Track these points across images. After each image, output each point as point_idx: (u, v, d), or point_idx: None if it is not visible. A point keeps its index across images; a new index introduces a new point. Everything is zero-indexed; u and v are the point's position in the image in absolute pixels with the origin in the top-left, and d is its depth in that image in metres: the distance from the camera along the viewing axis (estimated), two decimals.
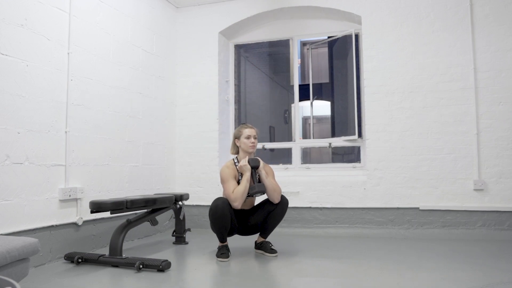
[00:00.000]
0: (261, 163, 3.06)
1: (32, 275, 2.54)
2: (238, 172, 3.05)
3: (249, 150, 3.06)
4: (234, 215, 3.01)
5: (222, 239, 3.04)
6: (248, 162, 2.99)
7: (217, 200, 2.91)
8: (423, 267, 2.69)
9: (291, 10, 4.46)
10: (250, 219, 3.13)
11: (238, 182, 3.01)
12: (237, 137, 3.12)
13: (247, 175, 2.95)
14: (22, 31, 2.72)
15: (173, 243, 3.68)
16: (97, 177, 3.38)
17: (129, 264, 2.71)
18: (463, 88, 3.83)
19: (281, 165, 4.51)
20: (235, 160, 3.12)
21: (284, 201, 3.08)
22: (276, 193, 3.02)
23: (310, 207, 4.16)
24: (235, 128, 4.79)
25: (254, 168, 3.02)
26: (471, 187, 3.76)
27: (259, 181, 3.05)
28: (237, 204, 2.90)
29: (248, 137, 3.06)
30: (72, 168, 3.12)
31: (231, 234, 3.12)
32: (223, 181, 3.01)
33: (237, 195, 2.89)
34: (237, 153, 3.15)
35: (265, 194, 3.04)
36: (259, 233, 3.23)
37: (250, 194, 2.97)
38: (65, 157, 3.07)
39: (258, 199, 3.16)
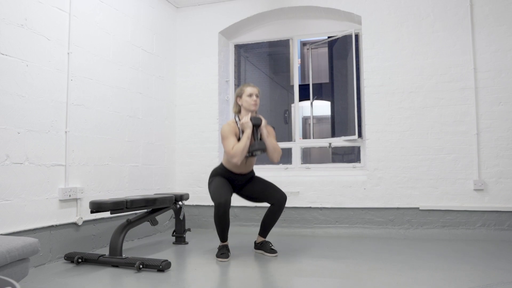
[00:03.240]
0: (263, 121, 3.06)
1: (32, 275, 2.54)
2: (239, 130, 3.04)
3: (251, 108, 3.05)
4: (230, 182, 3.09)
5: (223, 237, 3.05)
6: (250, 119, 2.99)
7: (220, 197, 2.87)
8: (423, 267, 2.69)
9: (291, 10, 4.46)
10: (248, 188, 3.16)
11: (239, 139, 3.01)
12: (239, 95, 3.11)
13: (247, 132, 2.95)
14: (22, 31, 2.72)
15: (173, 243, 3.68)
16: (97, 177, 3.38)
17: (129, 264, 2.71)
18: (463, 88, 3.83)
19: (281, 165, 4.51)
20: (237, 119, 3.12)
21: (283, 197, 3.10)
22: (276, 153, 3.05)
23: (310, 207, 4.16)
24: None
25: (256, 125, 3.01)
26: (471, 187, 3.76)
27: (260, 139, 3.06)
28: (236, 160, 2.90)
29: (250, 95, 3.06)
30: (72, 168, 3.13)
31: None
32: (223, 138, 3.01)
33: (237, 151, 2.89)
34: (239, 111, 3.13)
35: (265, 154, 3.07)
36: (258, 233, 3.24)
37: (250, 152, 2.96)
38: (65, 157, 3.07)
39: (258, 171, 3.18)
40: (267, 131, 3.05)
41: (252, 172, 3.26)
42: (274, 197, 3.08)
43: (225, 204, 2.85)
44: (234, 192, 3.22)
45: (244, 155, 2.94)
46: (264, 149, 2.98)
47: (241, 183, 3.19)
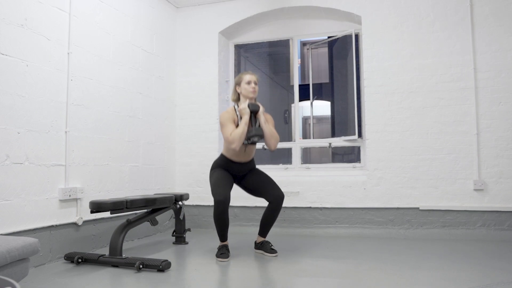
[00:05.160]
0: (261, 108, 3.07)
1: (32, 275, 2.54)
2: (238, 117, 3.06)
3: (250, 95, 3.07)
4: (230, 172, 3.11)
5: (223, 236, 3.05)
6: (248, 106, 3.00)
7: (219, 194, 2.88)
8: (423, 267, 2.69)
9: (291, 10, 4.46)
10: (247, 179, 3.16)
11: (237, 126, 3.02)
12: (237, 83, 3.13)
13: (245, 118, 2.96)
14: (22, 31, 2.72)
15: (173, 243, 3.68)
16: (97, 177, 3.38)
17: (129, 264, 2.71)
18: (463, 88, 3.83)
19: (281, 165, 4.51)
20: (235, 107, 3.13)
21: (280, 196, 3.08)
22: (273, 140, 3.06)
23: (310, 207, 4.16)
24: None
25: (253, 112, 3.03)
26: (471, 187, 3.76)
27: (258, 126, 3.07)
28: (235, 146, 2.92)
29: (248, 83, 3.07)
30: (72, 168, 3.12)
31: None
32: (221, 125, 3.03)
33: (235, 137, 2.91)
34: (238, 99, 3.15)
35: (263, 142, 3.09)
36: (258, 233, 3.24)
37: (248, 138, 2.97)
38: (65, 157, 3.07)
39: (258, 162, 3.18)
40: (265, 118, 3.08)
41: (252, 162, 3.25)
42: (272, 194, 3.08)
43: (224, 202, 2.86)
44: (234, 182, 3.21)
45: (242, 141, 2.95)
46: (261, 135, 2.99)
47: (241, 173, 3.18)
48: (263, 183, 3.15)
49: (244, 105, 3.00)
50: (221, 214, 2.91)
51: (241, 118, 3.01)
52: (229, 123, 2.99)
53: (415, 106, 3.95)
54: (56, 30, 3.01)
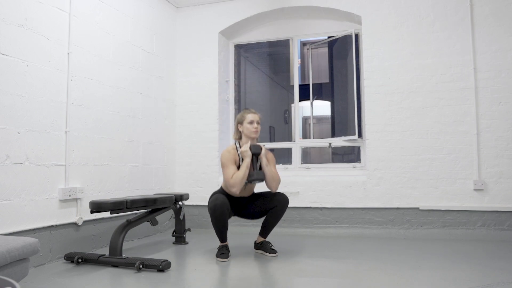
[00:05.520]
0: (263, 150, 3.04)
1: (32, 275, 2.54)
2: (239, 157, 3.03)
3: (252, 135, 3.04)
4: (230, 204, 3.01)
5: (222, 238, 3.04)
6: (250, 148, 2.97)
7: (216, 199, 2.89)
8: (423, 267, 2.69)
9: (291, 10, 4.46)
10: (249, 208, 3.14)
11: (238, 167, 2.99)
12: (240, 122, 3.10)
13: (247, 161, 2.94)
14: (22, 31, 2.72)
15: (173, 243, 3.68)
16: (97, 177, 3.38)
17: (129, 264, 2.71)
18: (463, 88, 3.83)
19: (281, 165, 4.50)
20: (237, 145, 3.10)
21: (285, 199, 3.08)
22: (274, 182, 3.04)
23: (310, 207, 4.16)
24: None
25: (255, 154, 3.00)
26: (471, 187, 3.76)
27: (260, 168, 3.05)
28: (236, 190, 2.90)
29: (251, 122, 3.04)
30: (72, 168, 3.13)
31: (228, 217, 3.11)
32: (223, 166, 3.00)
33: (236, 181, 2.89)
34: (240, 138, 3.12)
35: (264, 182, 3.05)
36: (258, 233, 3.24)
37: (249, 181, 2.96)
38: (65, 157, 3.07)
39: (258, 188, 3.20)
40: (266, 160, 3.04)
41: (252, 193, 3.25)
42: (276, 200, 3.08)
43: (221, 206, 2.84)
44: (234, 214, 3.19)
45: (243, 184, 2.93)
46: (262, 179, 2.98)
47: (241, 204, 3.17)
48: (265, 199, 3.13)
49: (245, 147, 2.97)
50: (220, 218, 2.89)
51: (242, 159, 2.99)
52: (230, 164, 2.96)
53: (415, 106, 3.95)
54: (56, 30, 3.01)
